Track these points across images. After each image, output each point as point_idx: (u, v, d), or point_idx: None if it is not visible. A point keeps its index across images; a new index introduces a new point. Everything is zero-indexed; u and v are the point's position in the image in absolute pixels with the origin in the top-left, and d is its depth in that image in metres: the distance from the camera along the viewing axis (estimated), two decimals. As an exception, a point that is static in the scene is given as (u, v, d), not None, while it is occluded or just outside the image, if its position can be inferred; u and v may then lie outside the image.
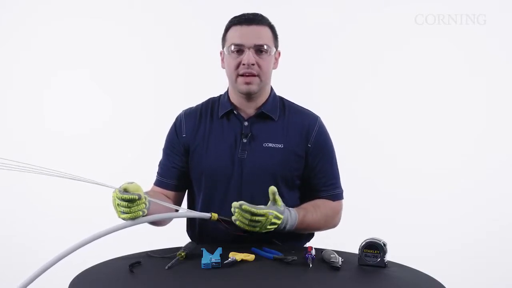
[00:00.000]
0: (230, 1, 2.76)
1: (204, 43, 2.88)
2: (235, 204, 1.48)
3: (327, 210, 1.70)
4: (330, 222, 1.73)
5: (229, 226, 1.52)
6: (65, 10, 3.23)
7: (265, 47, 1.63)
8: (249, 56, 1.61)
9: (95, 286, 1.25)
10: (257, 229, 1.49)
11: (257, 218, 1.46)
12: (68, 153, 3.17)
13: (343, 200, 1.77)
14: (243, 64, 1.62)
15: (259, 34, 1.63)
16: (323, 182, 1.73)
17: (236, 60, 1.63)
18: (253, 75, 1.63)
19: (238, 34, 1.63)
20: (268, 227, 1.49)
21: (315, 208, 1.67)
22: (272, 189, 1.50)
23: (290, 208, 1.59)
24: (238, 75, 1.64)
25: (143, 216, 1.40)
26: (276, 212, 1.50)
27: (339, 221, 1.77)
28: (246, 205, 1.46)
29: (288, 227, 1.56)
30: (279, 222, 1.51)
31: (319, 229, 1.73)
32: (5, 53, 3.26)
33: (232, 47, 1.63)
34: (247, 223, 1.48)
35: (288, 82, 2.09)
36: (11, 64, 3.26)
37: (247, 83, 1.63)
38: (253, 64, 1.61)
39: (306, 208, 1.66)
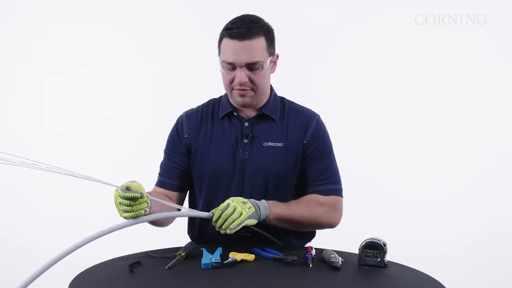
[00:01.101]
0: (230, 1, 2.76)
1: (204, 43, 2.86)
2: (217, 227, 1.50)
3: (312, 202, 1.65)
4: (321, 217, 1.66)
5: None
6: (65, 10, 3.23)
7: (258, 64, 1.59)
8: (241, 75, 1.58)
9: (95, 286, 1.25)
10: (241, 217, 1.46)
11: (226, 211, 1.47)
12: (68, 153, 3.17)
13: (341, 198, 1.71)
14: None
15: (252, 49, 1.57)
16: (314, 177, 1.69)
17: (229, 75, 1.61)
18: (247, 89, 1.61)
19: (230, 50, 1.58)
20: (244, 206, 1.48)
21: (296, 201, 1.66)
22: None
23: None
24: (233, 89, 1.63)
25: (145, 215, 1.39)
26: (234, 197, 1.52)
27: (337, 218, 1.70)
28: (214, 211, 1.49)
29: (261, 207, 1.53)
30: (244, 199, 1.52)
31: (308, 222, 1.66)
32: (5, 53, 3.26)
33: (225, 64, 1.61)
34: (230, 223, 1.46)
35: (288, 82, 2.08)
36: (11, 64, 3.26)
37: (242, 96, 1.62)
38: (245, 81, 1.60)
39: (283, 201, 1.63)
